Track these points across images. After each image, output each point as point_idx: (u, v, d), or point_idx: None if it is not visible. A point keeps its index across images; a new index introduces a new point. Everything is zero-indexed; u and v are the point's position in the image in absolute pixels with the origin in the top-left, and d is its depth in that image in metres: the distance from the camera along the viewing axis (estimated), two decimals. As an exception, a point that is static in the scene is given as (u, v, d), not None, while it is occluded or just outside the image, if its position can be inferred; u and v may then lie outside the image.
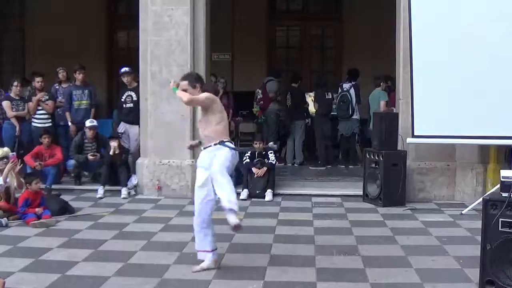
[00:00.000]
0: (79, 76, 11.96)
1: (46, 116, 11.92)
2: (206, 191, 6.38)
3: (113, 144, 10.72)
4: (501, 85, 8.50)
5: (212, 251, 6.51)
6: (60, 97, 12.36)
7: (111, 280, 6.06)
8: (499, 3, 8.59)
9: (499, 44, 8.48)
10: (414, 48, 9.28)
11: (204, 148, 6.46)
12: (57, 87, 12.60)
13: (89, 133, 11.21)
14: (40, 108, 11.88)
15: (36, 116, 11.90)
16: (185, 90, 6.42)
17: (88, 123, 11.24)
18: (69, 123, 11.89)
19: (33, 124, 11.94)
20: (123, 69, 11.78)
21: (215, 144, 6.30)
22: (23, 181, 8.91)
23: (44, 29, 16.06)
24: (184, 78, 6.55)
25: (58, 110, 12.26)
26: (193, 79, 6.53)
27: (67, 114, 11.93)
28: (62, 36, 15.67)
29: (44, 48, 15.90)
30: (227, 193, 6.09)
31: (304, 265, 6.50)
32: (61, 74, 12.53)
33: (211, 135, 6.33)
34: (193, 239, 7.62)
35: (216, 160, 6.19)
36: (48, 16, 15.94)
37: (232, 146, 6.39)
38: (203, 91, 6.45)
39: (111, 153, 10.72)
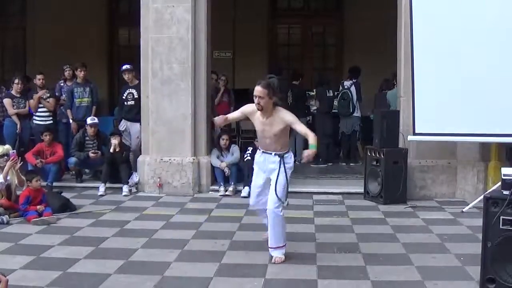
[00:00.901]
0: (80, 74, 11.95)
1: (47, 114, 11.94)
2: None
3: (114, 141, 10.72)
4: (502, 83, 8.50)
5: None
6: (64, 95, 12.34)
7: (112, 278, 6.06)
8: (501, 1, 8.58)
9: (501, 42, 8.48)
10: (415, 46, 9.26)
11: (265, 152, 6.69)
12: (62, 84, 12.59)
13: (90, 131, 11.21)
14: (41, 105, 11.89)
15: (37, 113, 11.92)
16: (261, 98, 6.41)
17: (89, 120, 11.24)
18: (70, 121, 11.90)
19: (34, 121, 11.96)
20: (124, 67, 11.77)
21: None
22: (24, 178, 8.92)
23: (45, 27, 16.07)
24: (264, 86, 6.45)
25: (62, 107, 12.27)
26: (272, 90, 6.48)
27: (68, 111, 11.94)
28: (63, 33, 15.70)
29: (45, 46, 15.91)
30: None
31: (305, 263, 6.51)
32: (67, 72, 12.49)
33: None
34: (193, 237, 7.68)
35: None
36: (49, 14, 15.93)
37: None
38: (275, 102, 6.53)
39: (111, 150, 10.73)
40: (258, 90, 6.41)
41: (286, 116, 6.47)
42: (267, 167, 6.67)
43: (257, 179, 6.87)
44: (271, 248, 6.61)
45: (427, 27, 9.16)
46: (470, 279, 5.97)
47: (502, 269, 5.37)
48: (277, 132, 6.47)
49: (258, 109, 6.51)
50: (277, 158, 6.57)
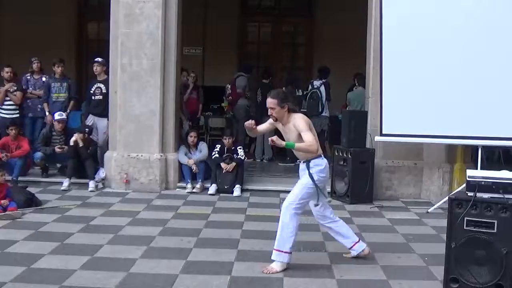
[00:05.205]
0: (58, 69, 11.91)
1: (13, 107, 11.85)
2: None
3: (73, 138, 10.67)
4: (469, 86, 8.59)
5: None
6: (31, 88, 12.25)
7: (78, 273, 6.02)
8: (470, 3, 8.68)
9: (468, 45, 8.57)
10: (384, 47, 9.35)
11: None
12: (29, 77, 12.45)
13: (57, 126, 11.14)
14: (7, 98, 11.77)
15: (3, 106, 11.82)
16: (272, 109, 6.32)
17: (57, 116, 11.18)
18: (47, 113, 11.81)
19: (0, 114, 11.85)
20: (96, 59, 11.72)
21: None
22: None
23: (13, 19, 15.88)
24: (273, 96, 6.33)
25: (28, 101, 12.16)
26: (281, 98, 6.33)
27: (45, 105, 11.86)
28: (31, 26, 15.52)
29: (13, 38, 15.73)
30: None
31: (271, 261, 6.47)
32: (36, 65, 12.36)
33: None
34: (160, 233, 7.66)
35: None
36: (17, 6, 15.75)
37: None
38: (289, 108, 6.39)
39: (70, 143, 10.66)
40: (268, 101, 6.33)
41: (297, 123, 6.29)
42: (300, 174, 6.57)
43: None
44: (274, 249, 6.36)
45: (396, 29, 9.23)
46: (434, 278, 6.04)
47: (465, 270, 5.43)
48: (295, 139, 6.30)
49: (274, 120, 6.46)
50: (304, 166, 6.45)
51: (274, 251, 6.29)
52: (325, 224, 6.75)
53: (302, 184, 6.38)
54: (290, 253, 6.29)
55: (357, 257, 6.68)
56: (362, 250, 6.70)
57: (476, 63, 8.51)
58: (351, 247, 6.70)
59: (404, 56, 9.14)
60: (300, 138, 6.24)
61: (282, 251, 6.26)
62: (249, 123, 6.50)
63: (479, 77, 8.50)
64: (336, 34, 15.56)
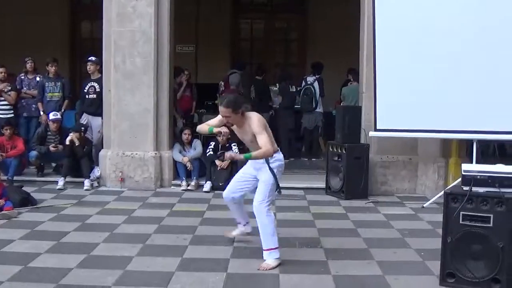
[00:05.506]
0: (51, 69, 11.91)
1: (8, 107, 11.84)
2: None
3: (69, 137, 10.67)
4: (462, 81, 8.61)
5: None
6: (25, 88, 12.23)
7: (74, 272, 6.01)
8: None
9: (462, 40, 8.59)
10: (378, 42, 9.35)
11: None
12: (23, 77, 12.40)
13: (52, 126, 11.12)
14: (1, 98, 11.77)
15: (-2, 106, 11.82)
16: (227, 117, 6.32)
17: (51, 116, 11.16)
18: (41, 113, 11.82)
19: (-5, 114, 11.85)
20: (90, 58, 11.71)
21: None
22: None
23: (5, 19, 15.81)
24: (226, 105, 6.30)
25: (22, 101, 12.13)
26: (234, 106, 6.30)
27: (40, 104, 11.86)
28: (24, 26, 15.48)
29: (6, 38, 15.68)
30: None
31: (267, 258, 6.54)
32: (29, 64, 12.32)
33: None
34: (155, 231, 7.66)
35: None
36: (10, 6, 15.69)
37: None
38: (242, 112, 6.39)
39: (66, 142, 10.65)
40: (221, 110, 6.36)
41: (253, 126, 6.34)
42: (255, 166, 6.61)
43: (244, 171, 6.84)
44: (264, 250, 6.42)
45: (389, 24, 9.23)
46: (430, 273, 6.04)
47: (461, 264, 5.44)
48: (252, 139, 6.38)
49: (230, 126, 6.52)
50: (262, 161, 6.46)
51: (264, 252, 6.34)
52: (236, 196, 6.84)
53: (265, 182, 6.44)
54: (279, 247, 6.37)
55: (351, 253, 6.69)
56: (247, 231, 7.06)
57: (471, 56, 8.53)
58: (246, 223, 7.03)
59: (397, 51, 9.15)
60: (256, 137, 6.32)
61: (271, 249, 6.32)
62: (225, 132, 6.51)
63: (474, 71, 8.52)
64: (328, 30, 15.55)
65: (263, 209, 6.34)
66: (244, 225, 7.09)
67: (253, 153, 6.26)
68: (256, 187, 6.51)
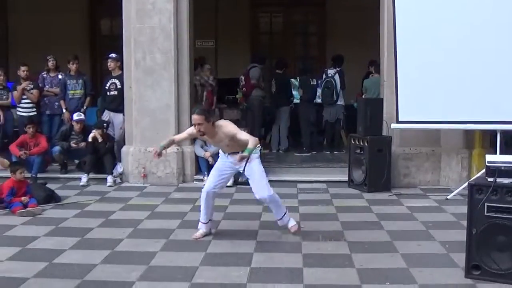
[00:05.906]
0: (72, 66, 12.00)
1: (30, 105, 11.91)
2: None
3: (92, 134, 10.72)
4: (485, 71, 8.54)
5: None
6: (47, 86, 12.31)
7: (98, 268, 6.05)
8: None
9: (483, 30, 8.52)
10: (398, 33, 9.28)
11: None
12: (45, 75, 12.48)
13: (76, 127, 11.15)
14: (24, 97, 11.84)
15: (21, 105, 11.90)
16: (200, 125, 6.68)
17: (75, 116, 11.19)
18: (64, 111, 11.93)
19: (18, 113, 11.96)
20: (110, 55, 11.75)
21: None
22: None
23: (27, 17, 15.94)
24: (199, 113, 6.72)
25: (45, 98, 12.21)
26: (206, 115, 6.74)
27: (62, 102, 11.97)
28: (45, 24, 15.60)
29: (27, 36, 15.80)
30: None
31: (290, 251, 6.53)
32: (51, 63, 12.42)
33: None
34: (178, 226, 7.68)
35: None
36: (31, 5, 15.83)
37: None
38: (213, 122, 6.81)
39: (89, 139, 10.70)
40: (194, 118, 6.74)
41: (227, 130, 6.78)
42: (235, 162, 6.92)
43: (222, 166, 7.18)
44: (279, 220, 7.15)
45: (410, 14, 9.18)
46: (455, 266, 6.00)
47: (487, 256, 5.41)
48: (228, 143, 6.83)
49: (201, 135, 6.90)
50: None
51: (278, 222, 7.17)
52: (216, 191, 7.22)
53: (258, 172, 6.96)
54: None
55: (375, 246, 6.68)
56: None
57: (493, 46, 8.46)
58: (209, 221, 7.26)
59: (418, 42, 9.09)
60: (232, 140, 6.76)
61: (284, 215, 7.14)
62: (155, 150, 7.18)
63: (496, 61, 8.46)
64: (348, 21, 15.50)
65: (273, 194, 7.00)
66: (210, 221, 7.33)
67: (249, 146, 6.60)
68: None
